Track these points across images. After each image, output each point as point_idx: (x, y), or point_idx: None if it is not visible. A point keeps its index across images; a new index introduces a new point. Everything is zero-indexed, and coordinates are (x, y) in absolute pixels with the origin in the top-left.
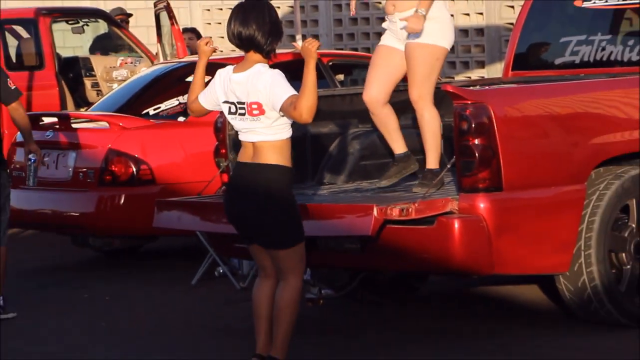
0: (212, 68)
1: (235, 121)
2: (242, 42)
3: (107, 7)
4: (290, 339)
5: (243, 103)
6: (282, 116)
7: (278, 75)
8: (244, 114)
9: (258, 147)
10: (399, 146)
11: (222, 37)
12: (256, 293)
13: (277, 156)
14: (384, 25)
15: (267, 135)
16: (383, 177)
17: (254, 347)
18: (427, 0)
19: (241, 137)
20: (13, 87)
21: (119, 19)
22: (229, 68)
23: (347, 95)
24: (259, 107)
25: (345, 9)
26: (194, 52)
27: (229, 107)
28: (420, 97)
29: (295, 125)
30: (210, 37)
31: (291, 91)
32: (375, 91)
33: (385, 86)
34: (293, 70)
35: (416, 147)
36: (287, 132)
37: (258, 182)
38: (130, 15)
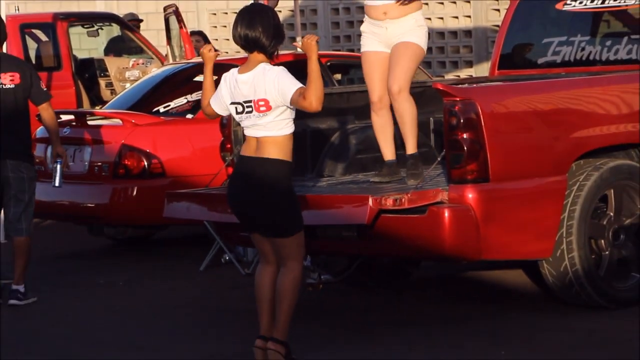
0: (220, 69)
1: (243, 120)
2: (248, 43)
3: (120, 11)
4: (290, 321)
5: (250, 101)
6: (292, 109)
7: (283, 71)
8: (251, 111)
9: (262, 142)
10: (391, 152)
11: (228, 39)
12: (258, 278)
13: (279, 151)
14: (363, 28)
15: (271, 131)
16: (376, 175)
17: (258, 329)
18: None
19: (246, 132)
20: (44, 89)
21: (131, 24)
22: (234, 70)
23: (344, 93)
24: (266, 103)
25: (343, 13)
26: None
27: (236, 108)
28: (401, 89)
29: (296, 122)
30: (211, 45)
31: (298, 84)
32: (382, 91)
33: (386, 87)
34: (294, 70)
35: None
36: (289, 128)
37: (260, 175)
38: (141, 20)
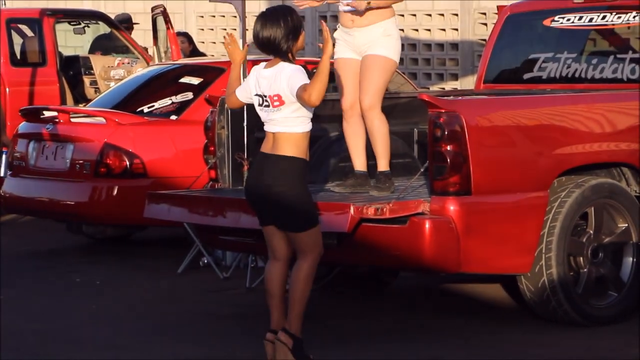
0: (206, 72)
1: (262, 112)
2: (263, 46)
3: (108, 10)
4: (303, 314)
5: (266, 96)
6: (309, 108)
7: (298, 69)
8: (268, 106)
9: (276, 138)
10: (361, 163)
11: (214, 42)
12: (268, 274)
13: (293, 148)
14: (336, 35)
15: (285, 127)
16: (339, 184)
17: (269, 324)
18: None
19: (265, 128)
20: None
21: (124, 26)
22: (262, 64)
23: (329, 100)
24: (279, 98)
25: (330, 21)
26: (186, 55)
27: (259, 100)
28: (371, 106)
29: None
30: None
31: (306, 80)
32: (353, 98)
33: (357, 94)
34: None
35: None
36: (305, 126)
37: (273, 173)
38: (137, 23)
